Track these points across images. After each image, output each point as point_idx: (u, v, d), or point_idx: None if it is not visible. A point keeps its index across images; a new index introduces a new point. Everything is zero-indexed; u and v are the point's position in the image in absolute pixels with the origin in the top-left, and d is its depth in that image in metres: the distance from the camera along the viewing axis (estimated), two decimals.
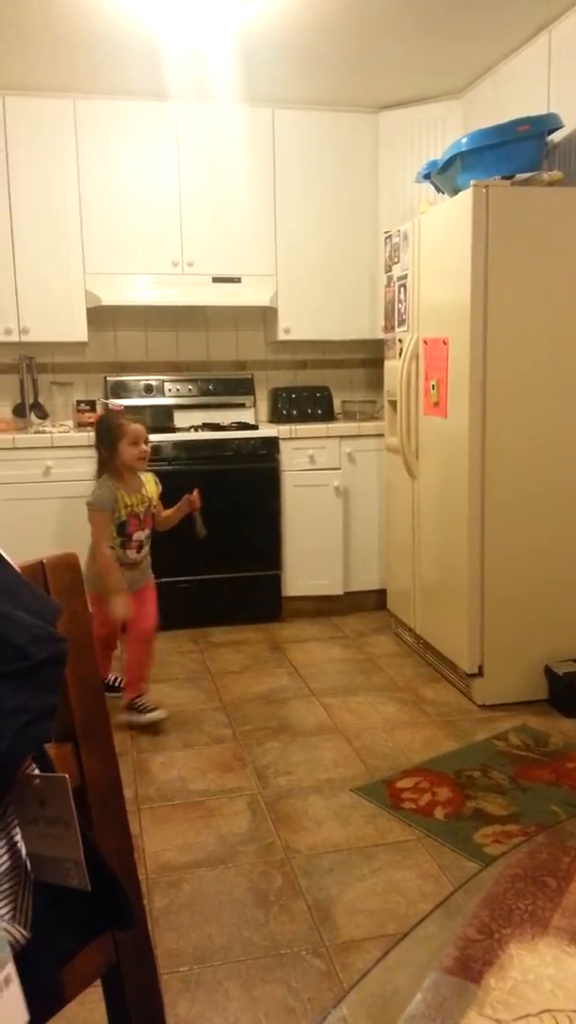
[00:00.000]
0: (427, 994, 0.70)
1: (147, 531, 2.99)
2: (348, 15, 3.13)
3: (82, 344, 4.22)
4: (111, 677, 3.16)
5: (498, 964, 0.72)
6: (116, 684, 3.10)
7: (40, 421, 4.16)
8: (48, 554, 0.86)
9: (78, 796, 0.85)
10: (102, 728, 0.86)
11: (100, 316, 4.19)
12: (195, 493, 3.05)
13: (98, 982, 0.92)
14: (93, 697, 0.85)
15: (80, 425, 4.14)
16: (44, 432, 3.88)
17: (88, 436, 3.83)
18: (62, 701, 0.81)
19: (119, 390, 4.29)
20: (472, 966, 0.73)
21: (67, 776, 0.72)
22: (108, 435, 2.93)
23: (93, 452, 3.81)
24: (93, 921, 0.83)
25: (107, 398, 4.27)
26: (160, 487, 3.08)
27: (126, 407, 3.25)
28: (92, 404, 4.21)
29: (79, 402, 4.20)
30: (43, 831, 0.75)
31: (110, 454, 2.93)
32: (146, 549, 3.01)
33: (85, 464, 3.83)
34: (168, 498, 3.09)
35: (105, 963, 0.88)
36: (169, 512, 3.08)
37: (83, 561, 2.64)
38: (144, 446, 2.92)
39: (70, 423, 4.19)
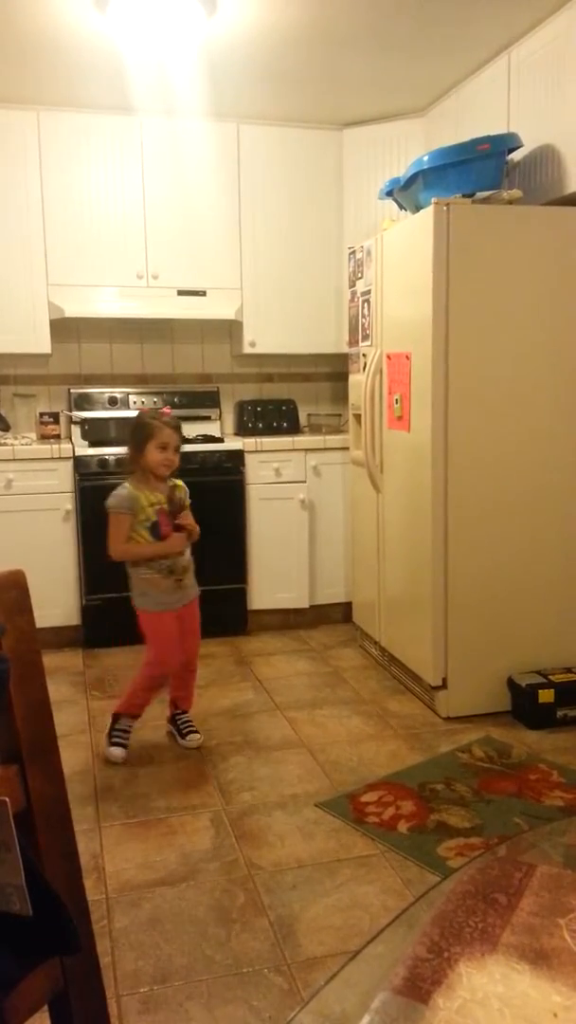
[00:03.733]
0: (375, 1015, 0.69)
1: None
2: (313, 32, 3.15)
3: (45, 356, 4.19)
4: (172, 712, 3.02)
5: (447, 983, 0.72)
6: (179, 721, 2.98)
7: (2, 433, 4.11)
8: (6, 569, 0.85)
9: (24, 818, 0.84)
10: (49, 748, 0.85)
11: (64, 328, 4.16)
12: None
13: (45, 1009, 0.90)
14: (39, 717, 0.83)
15: (43, 437, 4.10)
16: (6, 444, 3.83)
17: (51, 449, 3.80)
18: (6, 721, 0.79)
19: (83, 402, 4.26)
20: (421, 986, 0.72)
21: (7, 800, 0.71)
22: (138, 432, 2.75)
23: (55, 464, 3.81)
24: (38, 947, 0.81)
25: (71, 410, 4.24)
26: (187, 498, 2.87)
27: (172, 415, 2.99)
28: (55, 416, 4.18)
29: (42, 414, 4.16)
30: None
31: (137, 453, 2.74)
32: (188, 554, 2.84)
33: (48, 477, 3.80)
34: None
35: (52, 989, 0.86)
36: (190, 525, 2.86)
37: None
38: (171, 455, 2.73)
39: (33, 435, 4.15)
